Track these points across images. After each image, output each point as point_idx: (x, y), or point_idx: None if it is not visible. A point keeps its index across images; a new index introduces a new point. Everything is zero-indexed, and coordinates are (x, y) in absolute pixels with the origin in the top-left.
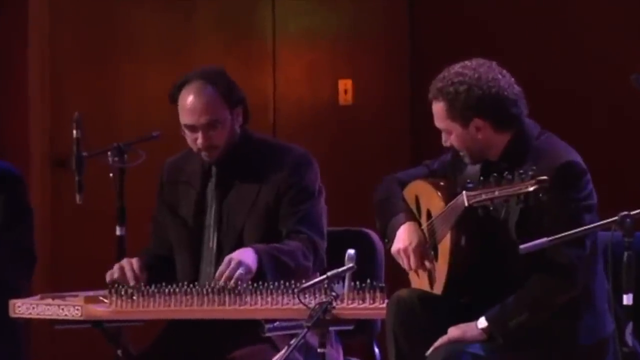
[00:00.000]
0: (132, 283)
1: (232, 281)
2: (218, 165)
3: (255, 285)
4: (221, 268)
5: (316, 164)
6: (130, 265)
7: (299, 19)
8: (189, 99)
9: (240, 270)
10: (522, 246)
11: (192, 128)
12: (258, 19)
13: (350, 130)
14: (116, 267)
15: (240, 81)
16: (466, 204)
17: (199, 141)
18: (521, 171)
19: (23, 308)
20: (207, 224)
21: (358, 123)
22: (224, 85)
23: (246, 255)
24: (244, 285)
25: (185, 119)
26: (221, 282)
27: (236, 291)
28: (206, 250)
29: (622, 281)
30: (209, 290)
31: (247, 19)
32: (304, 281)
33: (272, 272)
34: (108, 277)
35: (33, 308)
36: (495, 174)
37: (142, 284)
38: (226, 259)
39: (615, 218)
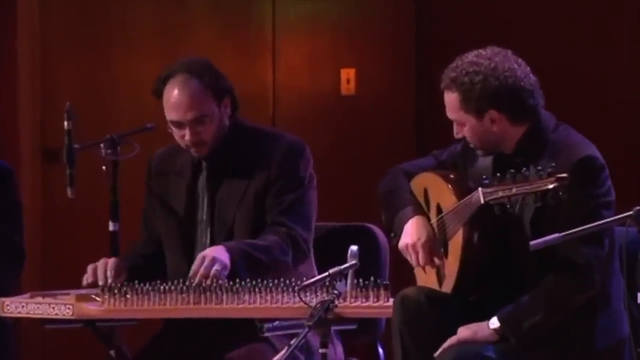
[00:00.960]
0: (100, 283)
1: (209, 279)
2: (208, 160)
3: (253, 283)
4: (195, 266)
5: (308, 152)
6: (104, 266)
7: (300, 5)
8: (173, 94)
9: (216, 267)
10: (532, 242)
11: (179, 124)
12: (257, 5)
13: (353, 121)
14: (90, 270)
15: (238, 71)
16: (482, 201)
17: (187, 137)
18: (539, 167)
19: (12, 307)
20: (200, 219)
21: (361, 114)
22: (209, 77)
23: (219, 252)
24: (221, 282)
25: (170, 115)
26: (196, 280)
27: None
28: (199, 245)
29: (637, 279)
30: (206, 288)
31: (246, 6)
32: (304, 279)
33: (244, 269)
34: (84, 282)
35: (22, 307)
36: (512, 170)
37: (135, 282)
38: (199, 256)
39: (630, 212)
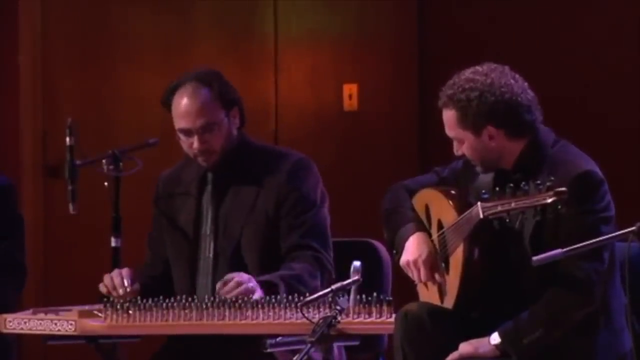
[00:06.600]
0: (120, 292)
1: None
2: (214, 171)
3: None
4: (225, 288)
5: (316, 169)
6: (119, 274)
7: (302, 20)
8: (182, 102)
9: (248, 285)
10: (535, 258)
11: (188, 132)
12: (259, 19)
13: (355, 137)
14: (107, 279)
15: (240, 86)
16: (481, 215)
17: (195, 145)
18: (538, 182)
19: (14, 323)
20: (204, 233)
21: (364, 130)
22: (218, 86)
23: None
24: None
25: (180, 123)
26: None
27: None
28: (203, 260)
29: None
30: (208, 304)
31: (248, 20)
32: (307, 294)
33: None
34: (102, 289)
35: (25, 323)
36: (511, 185)
37: (137, 298)
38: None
39: (633, 228)
